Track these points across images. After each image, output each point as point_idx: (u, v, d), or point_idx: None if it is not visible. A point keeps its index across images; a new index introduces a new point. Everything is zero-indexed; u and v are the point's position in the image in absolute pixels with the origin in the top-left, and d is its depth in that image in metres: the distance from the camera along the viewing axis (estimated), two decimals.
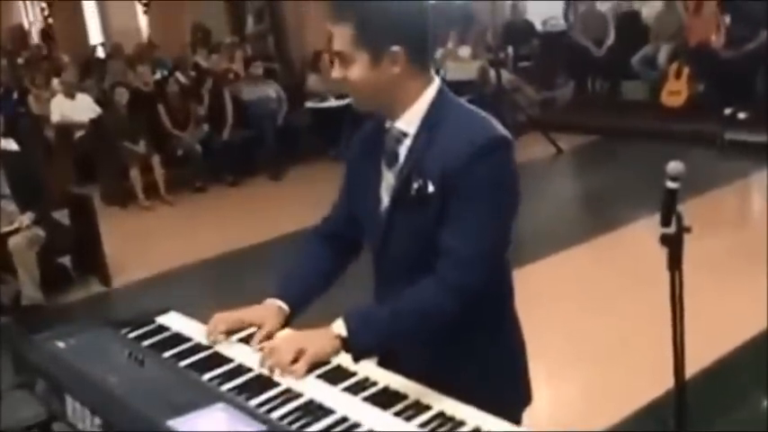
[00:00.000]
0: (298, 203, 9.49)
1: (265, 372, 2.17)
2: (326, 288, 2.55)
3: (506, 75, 12.22)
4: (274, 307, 2.42)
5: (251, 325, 2.39)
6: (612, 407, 4.50)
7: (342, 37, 2.20)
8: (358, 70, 2.21)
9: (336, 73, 2.26)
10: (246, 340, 2.36)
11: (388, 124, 2.31)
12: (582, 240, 7.34)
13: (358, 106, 2.32)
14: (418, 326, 2.21)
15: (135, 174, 10.28)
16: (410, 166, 2.24)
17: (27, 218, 6.85)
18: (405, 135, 2.27)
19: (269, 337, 2.34)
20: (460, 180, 2.14)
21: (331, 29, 2.23)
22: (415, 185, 2.21)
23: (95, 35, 22.23)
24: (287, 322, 2.42)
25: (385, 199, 2.32)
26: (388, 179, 2.31)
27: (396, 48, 2.18)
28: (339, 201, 2.59)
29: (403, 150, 2.28)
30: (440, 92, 2.28)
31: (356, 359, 2.17)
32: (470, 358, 2.31)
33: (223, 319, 2.41)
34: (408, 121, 2.27)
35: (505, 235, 2.25)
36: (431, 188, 2.18)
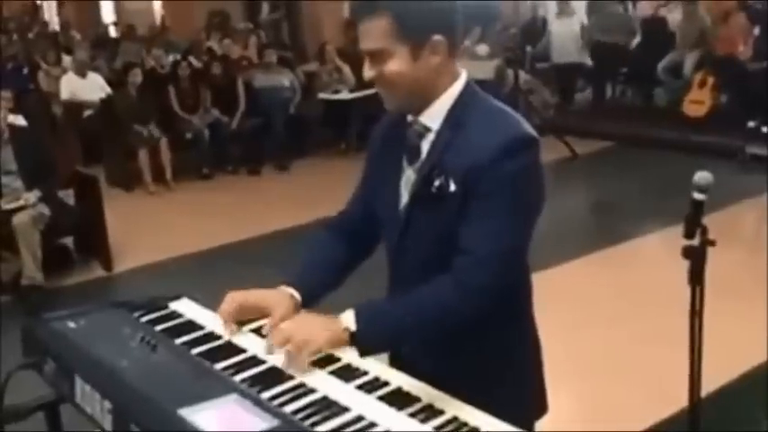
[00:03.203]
0: (303, 196, 9.54)
1: (273, 359, 2.18)
2: (339, 283, 2.53)
3: (523, 75, 12.19)
4: (287, 294, 2.38)
5: (262, 307, 2.36)
6: (620, 425, 4.45)
7: (376, 31, 2.15)
8: (397, 65, 2.16)
9: (371, 71, 2.21)
10: (259, 331, 2.36)
11: (410, 118, 2.29)
12: (593, 250, 7.32)
13: (391, 105, 2.28)
14: (431, 326, 2.19)
15: (144, 156, 10.30)
16: (432, 162, 2.21)
17: (33, 195, 6.85)
18: (428, 130, 2.25)
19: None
20: (484, 179, 2.11)
21: (362, 27, 2.18)
22: (437, 183, 2.18)
23: (107, 14, 22.27)
24: (297, 312, 2.39)
25: (404, 195, 2.29)
26: (409, 175, 2.28)
27: (437, 36, 2.16)
28: (356, 195, 2.57)
29: (425, 146, 2.25)
30: (466, 87, 2.26)
31: (362, 354, 2.16)
32: (483, 363, 2.29)
33: (236, 297, 2.40)
34: (432, 116, 2.24)
35: (527, 236, 2.21)
36: (453, 186, 2.16)
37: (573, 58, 13.20)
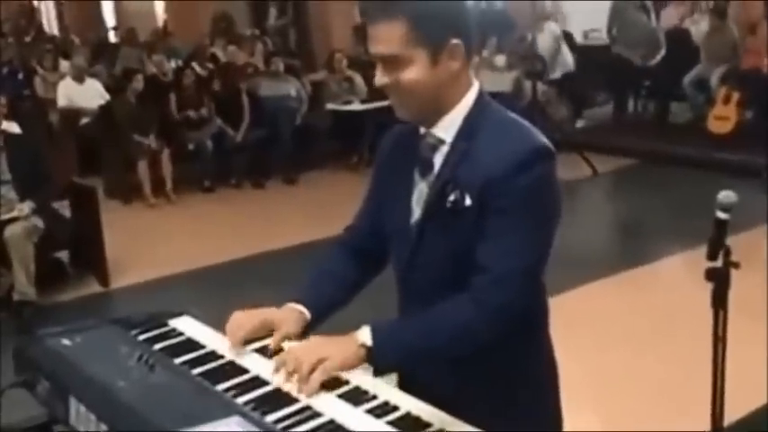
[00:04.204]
0: (311, 211, 9.55)
1: (277, 380, 2.15)
2: (347, 301, 2.52)
3: (542, 88, 12.19)
4: (295, 311, 2.39)
5: (270, 325, 2.36)
6: None
7: (392, 36, 2.13)
8: (415, 71, 2.14)
9: (385, 78, 2.19)
10: (263, 351, 2.35)
11: (422, 130, 2.28)
12: (614, 272, 7.29)
13: (405, 115, 2.26)
14: (450, 345, 2.17)
15: (143, 168, 10.32)
16: (446, 176, 2.21)
17: (26, 206, 6.84)
18: (441, 142, 2.24)
19: (286, 339, 2.33)
20: (500, 193, 2.11)
21: (375, 31, 2.16)
22: (451, 197, 2.18)
23: (109, 17, 22.37)
24: (306, 330, 2.39)
25: (416, 210, 2.29)
26: (421, 189, 2.28)
27: (455, 40, 2.15)
28: (364, 209, 2.56)
29: (438, 159, 2.25)
30: (480, 96, 2.26)
31: (378, 372, 2.15)
32: (497, 385, 2.29)
33: (242, 317, 2.39)
34: (446, 128, 2.23)
35: (546, 251, 2.21)
36: (468, 201, 2.16)
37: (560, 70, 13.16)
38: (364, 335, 2.15)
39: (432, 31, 2.13)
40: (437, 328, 2.16)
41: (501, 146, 2.15)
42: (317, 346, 2.21)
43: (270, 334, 2.37)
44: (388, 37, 2.14)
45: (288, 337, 2.34)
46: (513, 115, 2.27)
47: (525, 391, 2.33)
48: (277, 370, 2.18)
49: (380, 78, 2.20)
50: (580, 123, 13.44)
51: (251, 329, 2.36)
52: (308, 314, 2.39)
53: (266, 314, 2.40)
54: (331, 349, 2.16)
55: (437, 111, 2.23)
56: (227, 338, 2.37)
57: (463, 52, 2.18)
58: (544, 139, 2.19)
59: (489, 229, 2.14)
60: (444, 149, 2.24)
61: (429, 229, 2.26)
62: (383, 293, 2.55)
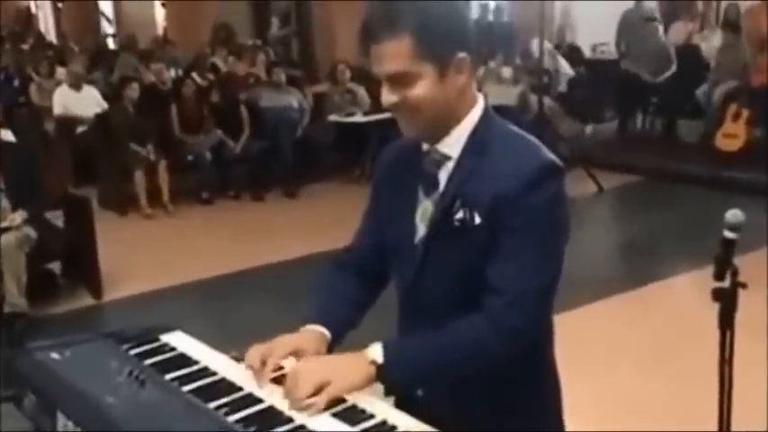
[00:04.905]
0: (312, 225, 9.54)
1: (276, 400, 2.12)
2: (358, 323, 2.48)
3: (548, 102, 12.20)
4: (317, 333, 2.33)
5: (293, 353, 2.27)
6: None
7: (399, 53, 2.10)
8: (423, 87, 2.12)
9: (393, 97, 2.16)
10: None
11: (425, 146, 2.27)
12: (619, 291, 7.28)
13: (412, 132, 2.23)
14: (463, 364, 2.17)
15: (140, 178, 10.30)
16: (453, 193, 2.19)
17: (19, 216, 6.82)
18: (447, 158, 2.23)
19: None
20: (513, 211, 2.10)
21: (380, 50, 2.13)
22: (459, 215, 2.17)
23: (108, 24, 22.45)
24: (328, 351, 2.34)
25: (421, 228, 2.27)
26: (426, 207, 2.26)
27: (462, 54, 2.14)
28: (364, 228, 2.53)
29: (443, 175, 2.24)
30: (485, 111, 2.25)
31: (389, 391, 2.13)
32: (499, 407, 2.27)
33: (262, 351, 2.26)
34: (452, 144, 2.22)
35: (560, 270, 2.20)
36: (477, 219, 2.15)
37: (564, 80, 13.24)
38: (375, 352, 2.13)
39: (438, 45, 2.11)
40: (452, 348, 2.15)
41: (511, 162, 2.14)
42: (324, 365, 2.18)
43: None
44: (394, 54, 2.11)
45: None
46: (519, 130, 2.27)
47: (527, 411, 2.32)
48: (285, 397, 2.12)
49: (388, 97, 2.17)
50: (588, 133, 13.44)
51: (278, 362, 2.26)
52: (329, 335, 2.34)
53: (290, 343, 2.30)
54: (339, 369, 2.13)
55: (444, 126, 2.21)
56: (253, 376, 2.25)
57: (469, 66, 2.17)
58: (553, 156, 2.18)
59: (502, 249, 2.13)
60: (450, 166, 2.23)
61: (435, 247, 2.24)
62: (377, 310, 2.53)
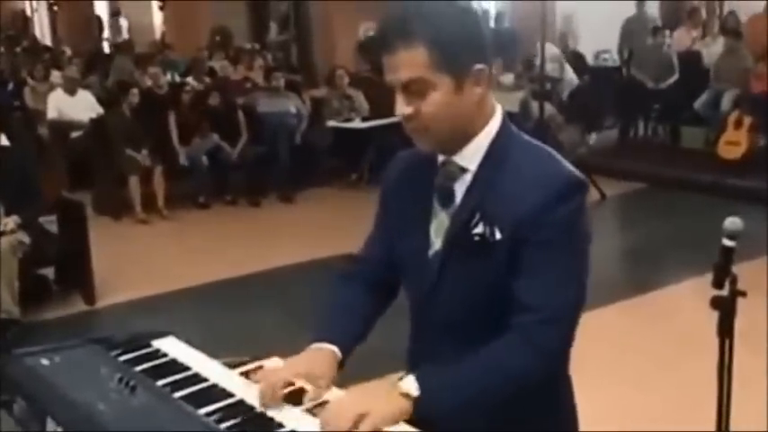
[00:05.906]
0: (309, 230, 9.53)
1: (257, 402, 2.12)
2: (366, 337, 2.44)
3: (549, 108, 12.18)
4: (328, 353, 2.30)
5: (308, 376, 2.23)
6: None
7: (414, 62, 2.06)
8: (439, 97, 2.08)
9: (408, 108, 2.11)
10: (247, 374, 2.32)
11: (441, 158, 2.23)
12: (619, 298, 7.25)
13: (427, 146, 2.19)
14: (504, 390, 2.10)
15: (135, 183, 10.29)
16: (471, 207, 2.16)
17: (12, 221, 6.80)
18: (464, 171, 2.19)
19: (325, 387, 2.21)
20: (539, 226, 2.07)
21: (394, 59, 2.08)
22: (478, 230, 2.13)
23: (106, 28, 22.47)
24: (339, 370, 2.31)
25: (436, 242, 2.23)
26: (442, 220, 2.22)
27: (479, 65, 2.10)
28: (373, 240, 2.49)
29: (460, 188, 2.20)
30: (504, 123, 2.21)
31: (425, 425, 2.05)
32: (517, 424, 2.20)
33: (272, 376, 2.22)
34: (470, 156, 2.18)
35: (586, 283, 2.19)
36: (498, 235, 2.11)
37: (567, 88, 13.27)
38: (408, 385, 2.07)
39: (455, 57, 2.07)
40: (488, 373, 2.09)
41: (534, 177, 2.11)
42: (362, 398, 2.11)
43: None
44: (409, 63, 2.07)
45: (326, 385, 2.23)
46: (537, 142, 2.24)
47: (547, 425, 2.30)
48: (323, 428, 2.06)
49: (402, 108, 2.12)
50: (591, 140, 13.44)
51: (285, 382, 2.21)
52: (339, 353, 2.31)
53: (298, 364, 2.28)
54: (377, 402, 2.06)
55: (461, 139, 2.17)
56: (265, 401, 2.18)
57: (487, 77, 2.14)
58: (576, 170, 2.16)
59: (529, 264, 2.10)
60: (467, 178, 2.19)
61: (451, 261, 2.20)
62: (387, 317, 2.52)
